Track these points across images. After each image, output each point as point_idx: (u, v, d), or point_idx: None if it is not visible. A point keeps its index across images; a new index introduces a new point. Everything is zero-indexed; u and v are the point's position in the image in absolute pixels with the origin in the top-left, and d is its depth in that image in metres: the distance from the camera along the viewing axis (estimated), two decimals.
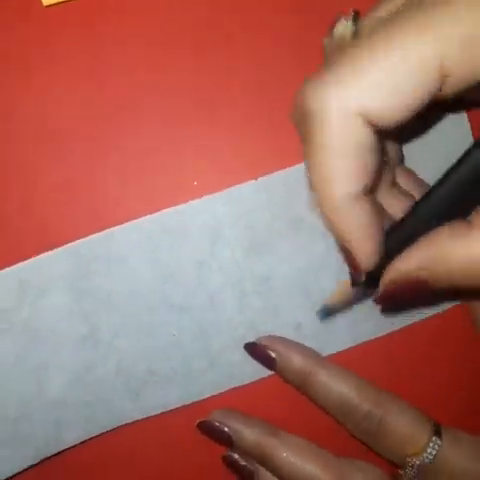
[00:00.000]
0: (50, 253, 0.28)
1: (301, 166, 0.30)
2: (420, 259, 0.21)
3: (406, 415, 0.28)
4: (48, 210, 0.29)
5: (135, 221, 0.29)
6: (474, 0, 0.18)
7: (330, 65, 0.20)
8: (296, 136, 0.22)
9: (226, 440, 0.30)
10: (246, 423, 0.30)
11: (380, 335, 0.32)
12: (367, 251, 0.22)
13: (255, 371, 0.31)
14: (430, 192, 0.23)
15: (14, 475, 0.30)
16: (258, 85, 0.30)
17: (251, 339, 0.31)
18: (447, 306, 0.32)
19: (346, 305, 0.30)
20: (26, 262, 0.28)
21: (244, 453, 0.30)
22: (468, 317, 0.31)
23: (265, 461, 0.29)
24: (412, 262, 0.21)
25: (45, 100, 0.29)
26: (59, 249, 0.28)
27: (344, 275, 0.28)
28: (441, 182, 0.22)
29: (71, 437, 0.30)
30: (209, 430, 0.30)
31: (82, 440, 0.30)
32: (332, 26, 0.24)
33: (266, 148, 0.30)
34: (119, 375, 0.30)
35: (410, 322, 0.32)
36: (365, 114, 0.20)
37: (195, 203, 0.29)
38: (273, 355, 0.30)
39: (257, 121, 0.30)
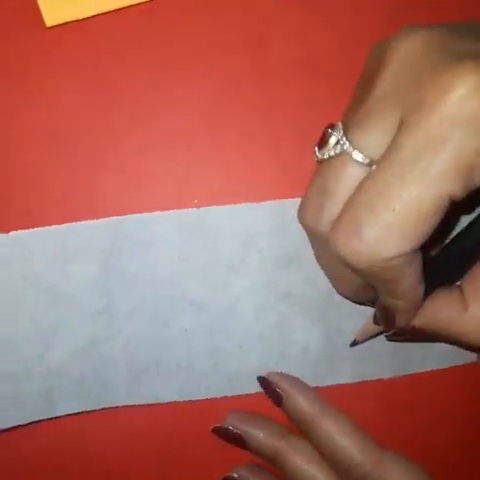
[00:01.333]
0: (92, 222, 0.29)
1: None
2: (423, 319, 0.26)
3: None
4: (49, 212, 0.30)
5: (176, 211, 0.30)
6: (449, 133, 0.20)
7: (354, 219, 0.22)
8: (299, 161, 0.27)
9: (240, 443, 0.31)
10: (259, 426, 0.31)
11: (383, 377, 0.32)
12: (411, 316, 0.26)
13: (256, 384, 0.31)
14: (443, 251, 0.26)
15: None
16: (263, 100, 0.31)
17: (258, 351, 0.31)
18: (456, 363, 0.32)
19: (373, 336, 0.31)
20: (70, 225, 0.29)
21: (256, 453, 0.31)
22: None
23: (275, 462, 0.30)
24: (418, 320, 0.26)
25: (46, 106, 0.30)
26: (101, 220, 0.29)
27: (363, 308, 0.30)
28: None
29: (63, 407, 0.30)
30: (224, 435, 0.31)
31: (73, 412, 0.30)
32: (323, 139, 0.24)
33: (271, 167, 0.31)
34: (123, 357, 0.30)
35: (416, 370, 0.32)
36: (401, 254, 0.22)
37: (235, 207, 0.30)
38: (281, 393, 0.30)
39: (261, 138, 0.31)
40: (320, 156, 0.24)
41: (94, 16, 0.30)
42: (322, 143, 0.24)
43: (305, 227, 0.26)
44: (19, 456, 0.31)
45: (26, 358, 0.29)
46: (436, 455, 0.30)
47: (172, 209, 0.30)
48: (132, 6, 0.30)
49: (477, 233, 0.25)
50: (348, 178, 0.23)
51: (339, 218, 0.23)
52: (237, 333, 0.31)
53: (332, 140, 0.24)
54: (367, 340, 0.31)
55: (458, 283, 0.26)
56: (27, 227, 0.29)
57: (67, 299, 0.29)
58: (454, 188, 0.21)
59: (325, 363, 0.32)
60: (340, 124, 0.24)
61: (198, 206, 0.30)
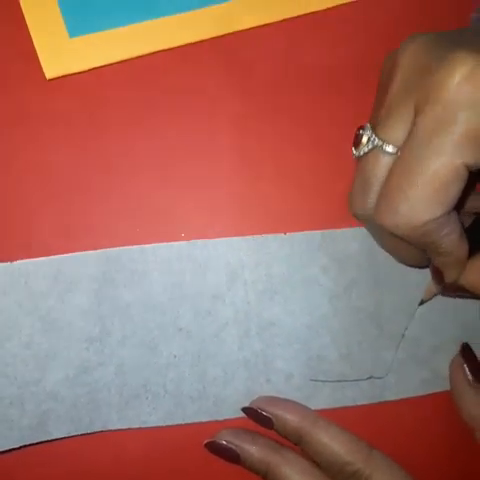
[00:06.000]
0: (88, 253, 0.31)
1: (328, 232, 0.33)
2: (467, 280, 0.29)
3: (393, 478, 0.31)
4: (47, 245, 0.32)
5: (167, 244, 0.32)
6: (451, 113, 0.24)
7: (390, 193, 0.26)
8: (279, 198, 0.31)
9: (234, 458, 0.32)
10: (253, 441, 0.32)
11: (360, 404, 0.34)
12: (458, 272, 0.29)
13: (239, 409, 0.33)
14: None
15: None
16: (243, 138, 0.33)
17: (243, 377, 0.33)
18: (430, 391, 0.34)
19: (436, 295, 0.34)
20: (67, 255, 0.31)
21: (249, 468, 0.32)
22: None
23: (268, 476, 0.31)
24: (463, 279, 0.29)
25: (44, 149, 0.32)
26: (96, 251, 0.31)
27: (343, 339, 0.33)
28: None
29: (56, 431, 0.31)
30: (217, 450, 0.32)
31: (65, 436, 0.31)
32: (356, 139, 0.29)
33: (252, 204, 0.34)
34: (115, 382, 0.32)
35: (392, 398, 0.34)
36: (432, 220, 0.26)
37: (224, 241, 0.33)
38: (269, 416, 0.32)
39: (242, 176, 0.34)
40: (357, 154, 0.29)
41: (92, 69, 0.33)
42: (356, 143, 0.29)
43: (355, 214, 0.30)
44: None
45: (22, 383, 0.31)
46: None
47: (161, 242, 0.32)
48: (129, 60, 0.33)
49: None
50: (382, 167, 0.27)
51: (378, 201, 0.27)
52: (223, 359, 0.33)
53: (364, 139, 0.28)
54: (431, 299, 0.34)
55: None
56: (27, 258, 0.31)
57: (62, 326, 0.31)
58: (467, 158, 0.24)
59: (307, 390, 0.33)
60: (368, 125, 0.28)
61: (186, 239, 0.33)
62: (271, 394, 0.33)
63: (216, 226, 0.33)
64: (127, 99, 0.33)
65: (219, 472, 0.33)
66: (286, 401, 0.33)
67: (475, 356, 0.33)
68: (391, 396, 0.34)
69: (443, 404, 0.34)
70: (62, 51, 0.32)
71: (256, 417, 0.32)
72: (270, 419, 0.32)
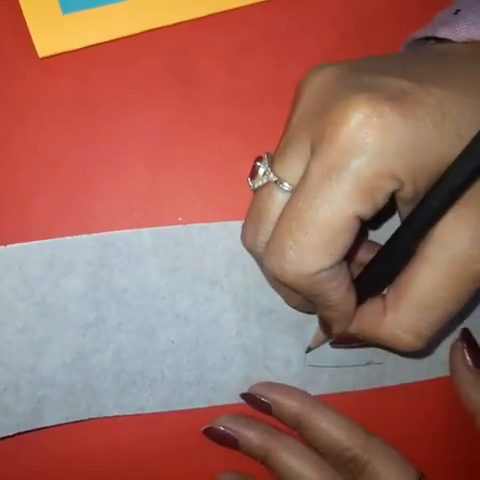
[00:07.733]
0: (83, 237, 0.30)
1: None
2: (354, 327, 0.28)
3: (391, 464, 0.31)
4: (41, 229, 0.31)
5: (164, 228, 0.32)
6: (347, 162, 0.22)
7: (283, 244, 0.24)
8: None
9: (232, 444, 0.32)
10: (251, 426, 0.32)
11: (359, 389, 0.34)
12: (346, 325, 0.28)
13: (238, 395, 0.32)
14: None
15: None
16: (243, 121, 0.33)
17: (242, 363, 0.32)
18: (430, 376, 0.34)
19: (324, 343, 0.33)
20: (62, 239, 0.30)
21: (247, 453, 0.32)
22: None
23: (266, 460, 0.31)
24: (351, 328, 0.28)
25: (38, 131, 0.31)
26: (92, 235, 0.31)
27: None
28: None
29: (51, 418, 0.31)
30: (216, 435, 0.32)
31: (61, 423, 0.31)
32: (253, 170, 0.27)
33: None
34: (112, 369, 0.31)
35: (392, 384, 0.34)
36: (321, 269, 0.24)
37: (222, 225, 0.32)
38: (268, 402, 0.32)
39: (242, 160, 0.31)
40: (252, 186, 0.27)
41: (86, 47, 0.32)
42: (253, 174, 0.27)
43: (246, 248, 0.28)
44: (4, 468, 0.32)
45: (17, 369, 0.30)
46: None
47: (157, 226, 0.32)
48: (123, 38, 0.32)
49: (400, 243, 0.25)
50: (276, 204, 0.25)
51: (268, 242, 0.25)
52: (221, 345, 0.32)
53: (260, 171, 0.26)
54: (319, 346, 0.33)
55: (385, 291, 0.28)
56: (20, 242, 0.30)
57: (58, 311, 0.31)
58: (358, 209, 0.23)
59: (306, 376, 0.33)
60: (266, 156, 0.26)
61: (183, 224, 0.32)
62: (270, 380, 0.33)
63: (214, 210, 0.32)
64: (122, 78, 0.32)
65: (217, 458, 0.32)
66: (285, 386, 0.33)
67: (475, 341, 0.33)
68: (390, 382, 0.34)
69: (443, 390, 0.34)
70: (55, 29, 0.31)
71: (255, 403, 0.32)
72: (269, 405, 0.32)
